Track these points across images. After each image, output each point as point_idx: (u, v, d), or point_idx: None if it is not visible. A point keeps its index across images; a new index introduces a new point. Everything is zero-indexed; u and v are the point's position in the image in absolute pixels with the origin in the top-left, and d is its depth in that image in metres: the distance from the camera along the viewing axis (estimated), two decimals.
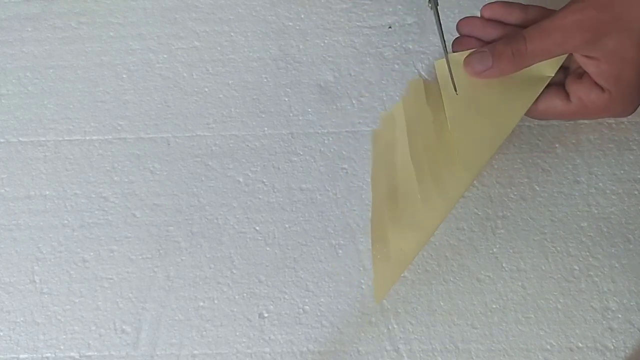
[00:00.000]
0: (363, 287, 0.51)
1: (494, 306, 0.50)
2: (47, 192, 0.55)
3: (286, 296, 0.51)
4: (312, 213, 0.54)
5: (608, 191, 0.53)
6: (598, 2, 0.43)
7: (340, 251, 0.52)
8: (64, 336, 0.51)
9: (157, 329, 0.51)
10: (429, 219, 0.48)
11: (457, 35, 0.51)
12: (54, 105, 0.58)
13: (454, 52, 0.50)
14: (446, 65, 0.49)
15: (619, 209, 0.52)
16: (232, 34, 0.60)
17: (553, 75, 0.47)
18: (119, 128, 0.57)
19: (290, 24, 0.60)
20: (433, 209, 0.47)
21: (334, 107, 0.57)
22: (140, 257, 0.53)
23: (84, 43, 0.60)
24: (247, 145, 0.56)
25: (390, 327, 0.50)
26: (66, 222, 0.54)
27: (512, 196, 0.53)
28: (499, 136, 0.47)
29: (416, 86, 0.54)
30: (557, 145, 0.54)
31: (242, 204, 0.54)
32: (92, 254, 0.53)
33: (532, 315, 0.50)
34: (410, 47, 0.58)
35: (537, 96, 0.47)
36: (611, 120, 0.55)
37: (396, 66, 0.58)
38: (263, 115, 0.57)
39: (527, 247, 0.52)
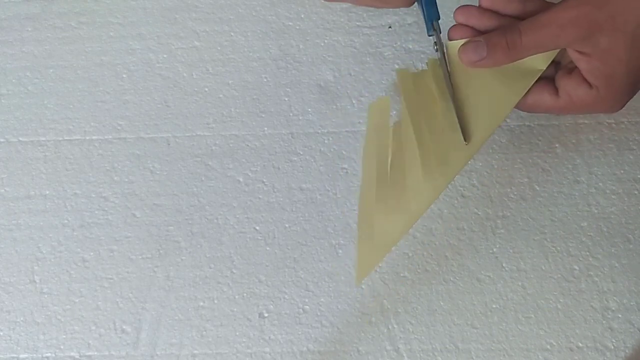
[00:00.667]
0: (363, 287, 0.51)
1: (494, 306, 0.50)
2: (47, 192, 0.55)
3: (286, 296, 0.51)
4: (312, 213, 0.54)
5: (608, 191, 0.53)
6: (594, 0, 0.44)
7: (340, 251, 0.52)
8: (64, 336, 0.51)
9: (157, 329, 0.51)
10: (415, 204, 0.47)
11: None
12: (54, 105, 0.58)
13: (449, 40, 0.50)
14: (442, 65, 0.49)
15: (619, 209, 0.52)
16: (232, 34, 0.60)
17: (544, 68, 0.47)
18: (119, 128, 0.57)
19: (290, 24, 0.60)
20: (420, 194, 0.47)
21: (334, 107, 0.57)
22: (140, 257, 0.53)
23: (84, 43, 0.60)
24: (247, 145, 0.56)
25: (390, 327, 0.50)
26: (66, 222, 0.54)
27: (512, 196, 0.53)
28: (489, 128, 0.47)
29: (405, 77, 0.53)
30: (557, 145, 0.54)
31: (242, 204, 0.54)
32: (92, 254, 0.53)
33: (532, 315, 0.50)
34: (410, 47, 0.58)
35: (528, 88, 0.47)
36: (611, 120, 0.55)
37: (396, 66, 0.58)
38: (263, 115, 0.57)
39: (527, 247, 0.52)
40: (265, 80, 0.58)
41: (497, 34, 0.46)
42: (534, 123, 0.55)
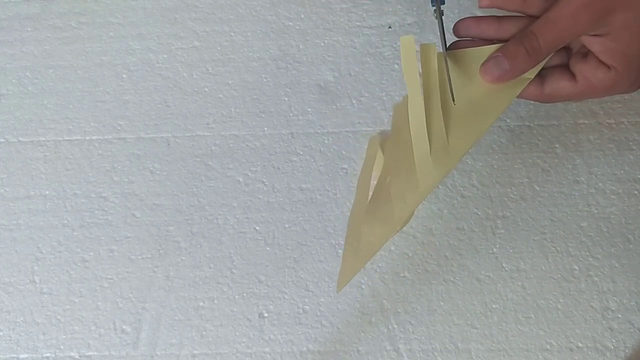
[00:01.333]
0: (363, 287, 0.51)
1: (494, 306, 0.50)
2: (47, 192, 0.55)
3: (286, 296, 0.51)
4: (312, 213, 0.54)
5: (608, 191, 0.53)
6: None
7: (340, 251, 0.52)
8: (64, 336, 0.51)
9: (157, 329, 0.51)
10: (398, 213, 0.46)
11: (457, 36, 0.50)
12: (54, 105, 0.58)
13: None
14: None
15: (619, 209, 0.52)
16: (232, 34, 0.60)
17: (532, 77, 0.47)
18: (119, 128, 0.57)
19: (290, 24, 0.60)
20: (403, 203, 0.46)
21: (334, 107, 0.57)
22: (140, 257, 0.53)
23: (84, 43, 0.60)
24: (247, 145, 0.56)
25: (390, 327, 0.50)
26: (66, 222, 0.54)
27: (512, 196, 0.53)
28: (473, 137, 0.47)
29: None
30: (557, 145, 0.54)
31: (242, 204, 0.54)
32: (92, 254, 0.53)
33: (532, 315, 0.50)
34: None
35: (513, 98, 0.47)
36: (611, 120, 0.55)
37: (396, 66, 0.58)
38: (263, 115, 0.57)
39: (527, 247, 0.52)
40: (265, 80, 0.58)
41: (514, 43, 0.46)
42: (534, 123, 0.55)
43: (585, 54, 0.47)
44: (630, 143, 0.54)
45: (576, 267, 0.51)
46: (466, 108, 0.47)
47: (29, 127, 0.58)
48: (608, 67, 0.45)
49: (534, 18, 0.46)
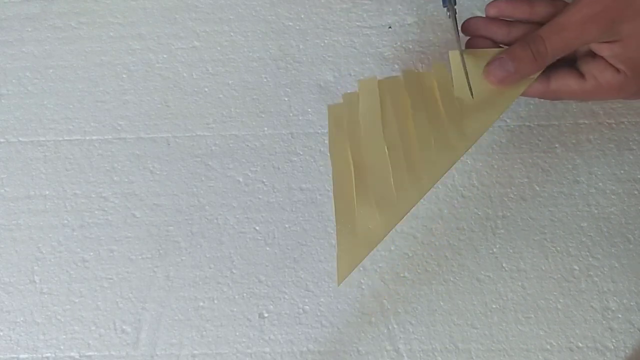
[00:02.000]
0: (363, 287, 0.51)
1: (494, 306, 0.50)
2: (47, 192, 0.55)
3: (286, 296, 0.51)
4: (312, 213, 0.53)
5: (608, 191, 0.53)
6: None
7: None
8: (64, 336, 0.51)
9: (157, 329, 0.51)
10: (400, 204, 0.46)
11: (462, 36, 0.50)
12: (54, 105, 0.58)
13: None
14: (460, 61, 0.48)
15: (619, 209, 0.52)
16: (232, 34, 0.60)
17: (536, 77, 0.47)
18: (119, 128, 0.57)
19: (290, 24, 0.60)
20: (405, 194, 0.46)
21: None
22: (140, 257, 0.53)
23: (84, 43, 0.60)
24: (247, 145, 0.56)
25: (390, 327, 0.50)
26: (66, 222, 0.54)
27: (512, 196, 0.53)
28: (474, 135, 0.47)
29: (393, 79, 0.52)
30: (557, 145, 0.54)
31: (242, 204, 0.54)
32: (92, 254, 0.53)
33: (532, 315, 0.50)
34: (410, 47, 0.58)
35: (516, 97, 0.47)
36: (611, 120, 0.55)
37: (396, 66, 0.58)
38: (263, 115, 0.57)
39: (527, 247, 0.52)
40: (265, 80, 0.58)
41: (520, 46, 0.46)
42: (534, 123, 0.55)
43: (594, 54, 0.47)
44: (630, 143, 0.54)
45: (576, 267, 0.51)
46: (471, 104, 0.47)
47: (29, 127, 0.58)
48: (617, 69, 0.45)
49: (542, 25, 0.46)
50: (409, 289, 0.51)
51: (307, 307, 0.51)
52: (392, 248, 0.52)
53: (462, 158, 0.47)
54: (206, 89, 0.58)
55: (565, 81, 0.47)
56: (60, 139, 0.57)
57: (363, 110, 0.49)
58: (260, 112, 0.57)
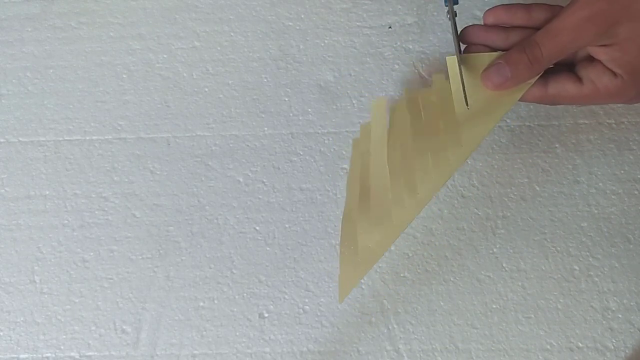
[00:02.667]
0: (363, 287, 0.51)
1: (494, 306, 0.50)
2: (47, 192, 0.55)
3: (286, 296, 0.51)
4: (312, 213, 0.54)
5: (608, 191, 0.53)
6: None
7: None
8: (64, 336, 0.51)
9: (157, 329, 0.51)
10: (398, 218, 0.47)
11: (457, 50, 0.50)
12: (54, 105, 0.58)
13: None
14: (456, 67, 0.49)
15: (619, 209, 0.52)
16: (232, 34, 0.60)
17: (533, 82, 0.47)
18: (119, 128, 0.57)
19: (290, 24, 0.60)
20: (402, 209, 0.46)
21: (334, 107, 0.57)
22: (140, 257, 0.53)
23: (84, 43, 0.60)
24: (247, 145, 0.56)
25: (390, 327, 0.50)
26: (66, 222, 0.54)
27: (512, 196, 0.53)
28: (473, 143, 0.47)
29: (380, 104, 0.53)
30: (557, 145, 0.54)
31: (242, 204, 0.54)
32: (92, 254, 0.53)
33: (532, 315, 0.50)
34: (410, 47, 0.58)
35: (514, 102, 0.47)
36: (611, 120, 0.55)
37: (396, 66, 0.58)
38: (263, 115, 0.57)
39: (527, 247, 0.52)
40: (265, 80, 0.58)
41: (516, 51, 0.46)
42: (534, 123, 0.55)
43: (592, 58, 0.47)
44: (630, 143, 0.54)
45: (576, 267, 0.51)
46: (468, 113, 0.47)
47: (29, 127, 0.58)
48: (614, 73, 0.45)
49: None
50: (409, 289, 0.51)
51: (307, 307, 0.51)
52: (392, 248, 0.52)
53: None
54: (206, 89, 0.58)
55: (562, 86, 0.47)
56: (60, 139, 0.57)
57: (373, 134, 0.51)
58: (260, 112, 0.57)
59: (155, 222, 0.54)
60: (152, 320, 0.51)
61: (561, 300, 0.50)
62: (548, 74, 0.47)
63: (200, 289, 0.52)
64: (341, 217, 0.53)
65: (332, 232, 0.53)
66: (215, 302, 0.52)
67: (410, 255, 0.52)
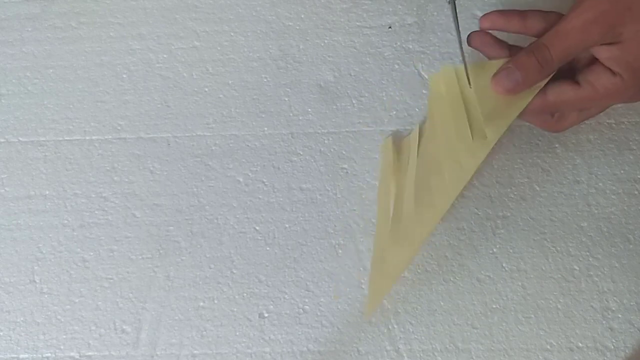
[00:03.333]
0: (363, 287, 0.51)
1: (494, 306, 0.50)
2: (47, 192, 0.55)
3: (286, 296, 0.51)
4: (312, 213, 0.54)
5: (608, 191, 0.53)
6: None
7: (340, 251, 0.52)
8: (64, 336, 0.51)
9: (157, 329, 0.51)
10: (421, 234, 0.49)
11: (459, 42, 0.51)
12: (54, 105, 0.58)
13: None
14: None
15: (619, 209, 0.52)
16: (232, 34, 0.60)
17: (543, 85, 0.47)
18: (119, 128, 0.57)
19: (290, 24, 0.60)
20: (424, 225, 0.48)
21: (334, 107, 0.57)
22: (140, 257, 0.53)
23: (84, 43, 0.60)
24: (247, 145, 0.56)
25: (390, 327, 0.50)
26: (66, 222, 0.54)
27: (512, 196, 0.53)
28: (483, 152, 0.48)
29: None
30: (557, 145, 0.54)
31: (242, 204, 0.54)
32: (92, 254, 0.53)
33: (532, 315, 0.50)
34: (410, 47, 0.58)
35: (523, 107, 0.47)
36: (611, 120, 0.55)
37: (396, 66, 0.58)
38: (263, 115, 0.57)
39: (527, 247, 0.52)
40: (265, 80, 0.58)
41: (525, 55, 0.46)
42: None
43: (591, 62, 0.47)
44: (630, 143, 0.54)
45: (576, 267, 0.51)
46: (478, 121, 0.48)
47: (29, 127, 0.58)
48: (613, 73, 0.46)
49: (554, 14, 0.47)
50: (409, 289, 0.51)
51: (307, 307, 0.51)
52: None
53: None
54: (206, 89, 0.58)
55: (561, 90, 0.47)
56: (60, 139, 0.57)
57: (408, 157, 0.53)
58: (260, 112, 0.57)
59: (155, 222, 0.54)
60: (152, 320, 0.51)
61: (561, 300, 0.50)
62: (547, 84, 0.47)
63: (200, 289, 0.52)
64: (341, 216, 0.53)
65: (332, 232, 0.53)
66: (215, 302, 0.52)
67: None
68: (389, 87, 0.57)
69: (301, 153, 0.55)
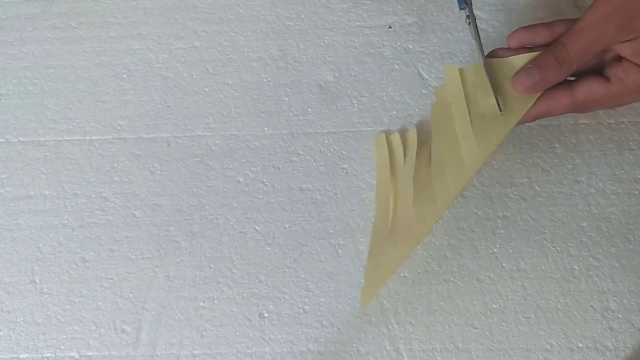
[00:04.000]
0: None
1: (494, 306, 0.50)
2: (47, 192, 0.55)
3: (286, 296, 0.51)
4: (312, 213, 0.54)
5: (608, 191, 0.53)
6: None
7: (340, 251, 0.52)
8: (64, 336, 0.51)
9: (157, 329, 0.51)
10: (420, 231, 0.49)
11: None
12: (54, 105, 0.58)
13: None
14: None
15: (619, 209, 0.52)
16: (232, 34, 0.60)
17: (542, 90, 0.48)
18: (119, 128, 0.57)
19: (290, 24, 0.60)
20: (424, 222, 0.49)
21: (334, 107, 0.57)
22: (140, 257, 0.53)
23: (84, 43, 0.60)
24: (247, 145, 0.56)
25: (390, 327, 0.50)
26: (66, 222, 0.54)
27: (512, 196, 0.53)
28: (487, 150, 0.48)
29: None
30: (557, 145, 0.54)
31: (242, 204, 0.54)
32: (92, 254, 0.53)
33: (532, 315, 0.50)
34: (410, 47, 0.58)
35: (525, 111, 0.48)
36: (611, 120, 0.55)
37: (396, 66, 0.58)
38: (263, 115, 0.57)
39: (527, 247, 0.52)
40: (265, 80, 0.58)
41: (544, 54, 0.47)
42: (534, 123, 0.55)
43: (619, 58, 0.47)
44: (630, 143, 0.54)
45: (576, 267, 0.51)
46: (483, 121, 0.48)
47: (29, 127, 0.58)
48: None
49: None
50: (409, 289, 0.51)
51: (307, 307, 0.51)
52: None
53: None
54: (206, 89, 0.58)
55: (591, 88, 0.47)
56: (60, 139, 0.57)
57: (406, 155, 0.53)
58: (260, 112, 0.57)
59: (155, 222, 0.54)
60: (152, 320, 0.51)
61: (561, 300, 0.50)
62: (576, 81, 0.47)
63: (200, 289, 0.52)
64: (341, 216, 0.53)
65: (332, 232, 0.53)
66: (215, 302, 0.52)
67: (410, 255, 0.52)
68: (389, 87, 0.57)
69: (301, 153, 0.55)
